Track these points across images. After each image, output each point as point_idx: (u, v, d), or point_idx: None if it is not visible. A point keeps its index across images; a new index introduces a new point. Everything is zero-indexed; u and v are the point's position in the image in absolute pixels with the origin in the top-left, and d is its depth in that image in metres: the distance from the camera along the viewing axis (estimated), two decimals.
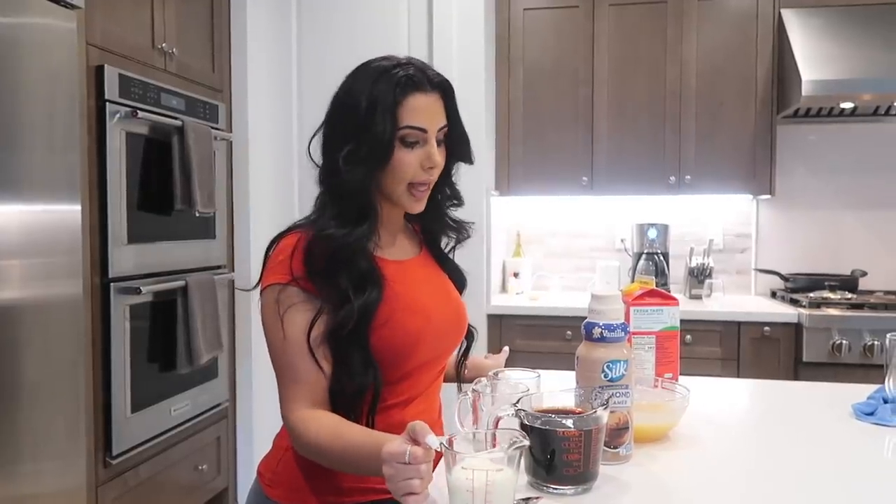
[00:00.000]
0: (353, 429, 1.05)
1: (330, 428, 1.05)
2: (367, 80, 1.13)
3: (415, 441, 0.89)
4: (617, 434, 1.07)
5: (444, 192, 1.27)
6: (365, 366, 1.10)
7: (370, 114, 1.11)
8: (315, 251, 1.12)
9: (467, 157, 1.25)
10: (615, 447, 1.07)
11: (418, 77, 1.13)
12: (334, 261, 1.11)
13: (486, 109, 3.10)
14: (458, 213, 1.34)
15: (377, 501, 1.13)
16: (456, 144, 1.21)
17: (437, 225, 1.30)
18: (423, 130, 1.13)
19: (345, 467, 1.07)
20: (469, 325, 1.33)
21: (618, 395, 1.05)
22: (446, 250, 1.35)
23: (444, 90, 1.17)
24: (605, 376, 1.05)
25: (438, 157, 1.16)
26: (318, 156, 1.20)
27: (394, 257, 1.22)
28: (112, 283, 2.14)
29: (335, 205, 1.15)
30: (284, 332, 1.10)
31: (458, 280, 1.33)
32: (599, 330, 1.06)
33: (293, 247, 1.12)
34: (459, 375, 1.34)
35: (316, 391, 1.10)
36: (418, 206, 1.19)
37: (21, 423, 1.73)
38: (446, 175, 1.24)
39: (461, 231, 1.32)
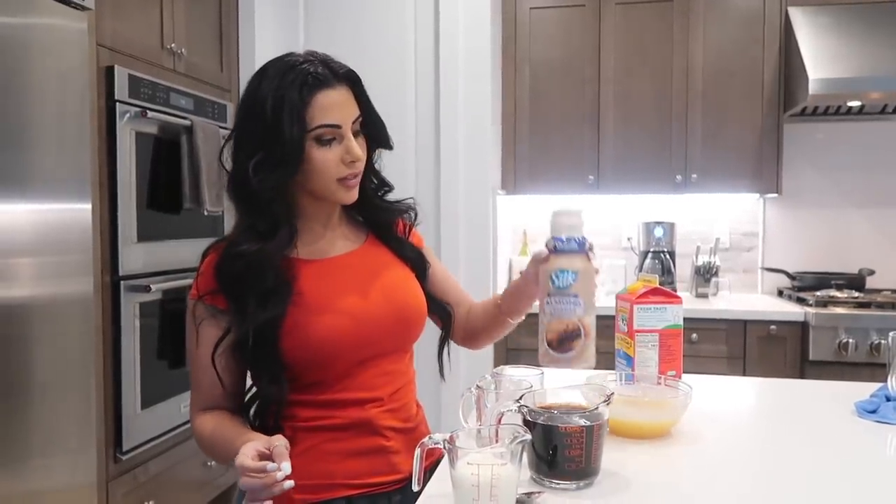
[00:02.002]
0: (225, 434, 1.10)
1: (209, 430, 1.14)
2: (269, 82, 1.11)
3: (269, 454, 0.95)
4: (566, 338, 1.11)
5: (371, 181, 1.25)
6: (270, 378, 1.12)
7: (277, 117, 1.07)
8: (224, 269, 1.12)
9: (386, 143, 1.23)
10: (559, 351, 1.10)
11: (322, 73, 1.11)
12: (242, 278, 1.11)
13: (493, 108, 3.10)
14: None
15: (347, 497, 1.14)
16: (373, 132, 1.19)
17: (380, 215, 1.27)
18: (338, 126, 1.11)
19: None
20: (443, 304, 1.32)
21: (565, 302, 1.08)
22: (406, 234, 1.31)
23: (352, 81, 1.15)
24: (553, 283, 1.11)
25: (358, 149, 1.13)
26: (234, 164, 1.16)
27: (317, 256, 1.19)
28: (122, 281, 2.17)
29: (247, 216, 1.13)
30: (195, 344, 1.15)
31: (418, 265, 1.29)
32: (553, 243, 1.13)
33: (204, 264, 1.16)
34: (503, 312, 1.31)
35: (213, 399, 1.17)
36: (351, 196, 1.17)
37: (32, 419, 1.75)
38: (369, 164, 1.21)
39: (407, 211, 1.30)
